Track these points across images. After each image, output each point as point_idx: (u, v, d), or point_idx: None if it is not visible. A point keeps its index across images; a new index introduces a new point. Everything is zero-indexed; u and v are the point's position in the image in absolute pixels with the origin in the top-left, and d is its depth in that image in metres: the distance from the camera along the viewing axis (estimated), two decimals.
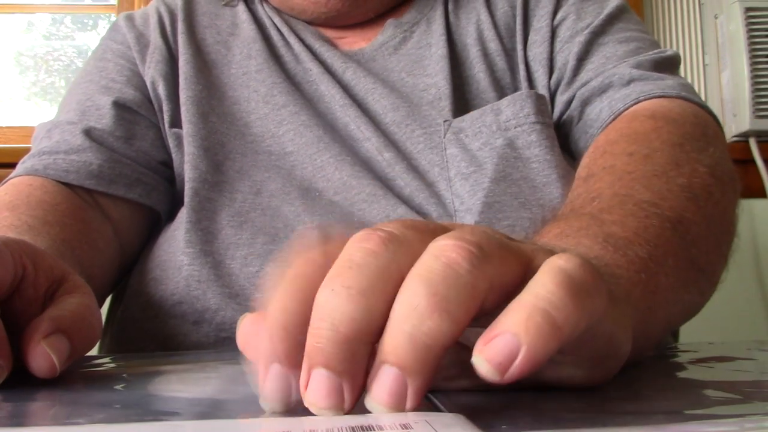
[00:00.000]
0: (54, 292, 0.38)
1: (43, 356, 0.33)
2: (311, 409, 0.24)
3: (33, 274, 0.37)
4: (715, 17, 1.46)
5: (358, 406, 0.24)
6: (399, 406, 0.24)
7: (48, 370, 0.34)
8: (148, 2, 0.78)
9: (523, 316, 0.23)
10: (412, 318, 0.23)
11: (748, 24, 1.39)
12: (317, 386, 0.24)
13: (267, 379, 0.25)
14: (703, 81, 1.47)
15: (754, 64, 1.39)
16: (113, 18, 1.53)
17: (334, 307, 0.24)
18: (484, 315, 0.24)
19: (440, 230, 0.26)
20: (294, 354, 0.25)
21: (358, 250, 0.25)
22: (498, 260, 0.25)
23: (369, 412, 0.24)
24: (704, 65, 1.48)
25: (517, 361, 0.23)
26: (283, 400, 0.25)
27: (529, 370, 0.23)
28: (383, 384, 0.23)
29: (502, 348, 0.23)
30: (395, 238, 0.25)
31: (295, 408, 0.25)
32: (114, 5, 1.48)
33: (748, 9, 1.39)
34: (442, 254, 0.24)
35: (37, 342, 0.34)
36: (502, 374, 0.23)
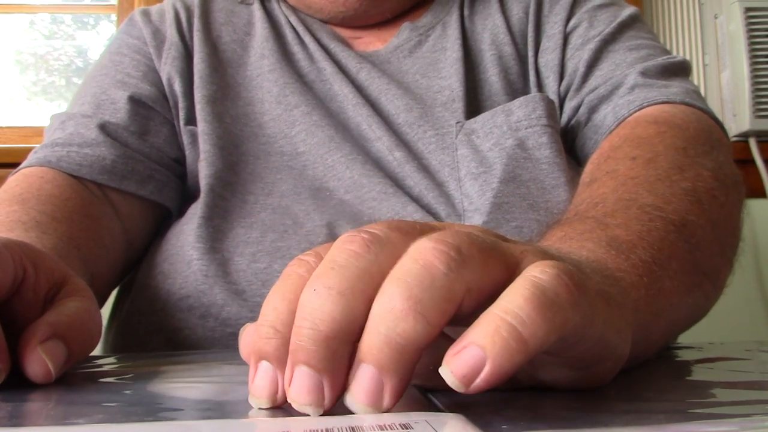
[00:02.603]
0: (54, 295, 0.38)
1: (39, 362, 0.33)
2: (294, 406, 0.25)
3: (33, 277, 0.37)
4: (715, 17, 1.46)
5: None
6: (376, 404, 0.24)
7: (43, 376, 0.34)
8: (149, 2, 0.78)
9: (489, 330, 0.23)
10: (388, 319, 0.24)
11: (748, 24, 1.39)
12: (299, 383, 0.24)
13: (255, 376, 0.26)
14: (703, 81, 1.47)
15: (754, 64, 1.39)
16: (113, 18, 1.53)
17: (316, 307, 0.24)
18: (466, 317, 0.24)
19: (427, 231, 0.27)
20: (282, 352, 0.25)
21: (342, 252, 0.25)
22: (477, 264, 0.25)
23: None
24: (704, 65, 1.48)
25: (482, 375, 0.23)
26: (269, 396, 0.26)
27: (495, 382, 0.23)
28: (361, 382, 0.24)
29: (467, 360, 0.23)
30: (378, 239, 0.25)
31: (290, 406, 0.25)
32: (114, 5, 1.48)
33: (748, 9, 1.39)
34: (420, 257, 0.24)
35: (34, 347, 0.34)
36: (467, 386, 0.23)
